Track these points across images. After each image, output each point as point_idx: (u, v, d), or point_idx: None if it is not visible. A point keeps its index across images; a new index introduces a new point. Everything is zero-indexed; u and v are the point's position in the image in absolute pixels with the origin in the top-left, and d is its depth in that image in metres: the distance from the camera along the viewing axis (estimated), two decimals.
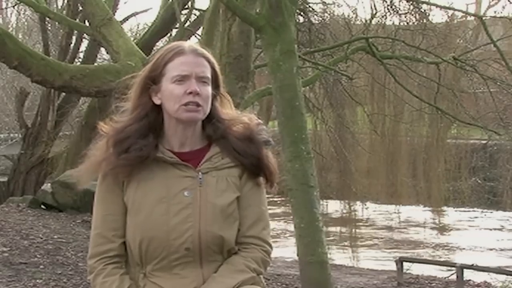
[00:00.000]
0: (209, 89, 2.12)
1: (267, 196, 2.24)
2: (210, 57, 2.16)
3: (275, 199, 16.63)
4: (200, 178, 2.11)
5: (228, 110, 2.21)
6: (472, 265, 9.54)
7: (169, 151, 2.13)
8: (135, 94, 2.16)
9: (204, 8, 10.87)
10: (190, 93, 2.08)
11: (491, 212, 18.91)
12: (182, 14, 10.19)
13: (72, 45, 14.47)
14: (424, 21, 11.29)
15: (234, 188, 2.14)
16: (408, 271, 10.45)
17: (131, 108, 2.16)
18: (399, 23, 11.44)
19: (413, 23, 11.33)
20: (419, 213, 17.95)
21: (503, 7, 23.11)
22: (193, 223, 2.07)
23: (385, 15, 11.19)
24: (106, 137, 2.13)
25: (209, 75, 2.13)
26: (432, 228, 16.94)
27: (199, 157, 2.14)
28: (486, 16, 10.89)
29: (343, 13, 13.19)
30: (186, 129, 2.13)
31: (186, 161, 2.13)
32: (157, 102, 2.14)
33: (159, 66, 2.13)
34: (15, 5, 16.41)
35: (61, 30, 14.50)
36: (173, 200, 2.09)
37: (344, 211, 14.52)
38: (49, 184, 12.45)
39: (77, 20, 12.52)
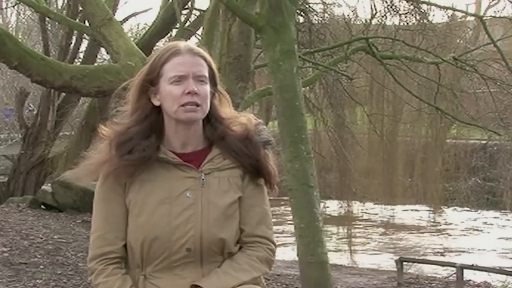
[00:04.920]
0: (207, 88, 2.12)
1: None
2: (206, 56, 2.15)
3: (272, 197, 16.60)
4: (202, 179, 2.11)
5: (226, 109, 2.20)
6: (472, 265, 9.54)
7: (171, 152, 2.13)
8: (133, 97, 2.15)
9: (204, 8, 10.85)
10: (189, 93, 2.07)
11: (491, 212, 18.90)
12: (182, 14, 10.16)
13: (72, 45, 14.47)
14: (424, 21, 11.28)
15: (236, 189, 2.13)
16: (408, 271, 10.44)
17: (131, 111, 2.16)
18: (399, 23, 11.44)
19: (413, 23, 11.32)
20: (419, 213, 17.96)
21: (503, 7, 23.17)
22: (194, 223, 2.08)
23: (385, 15, 11.19)
24: (108, 140, 2.12)
25: (206, 73, 2.13)
26: (432, 228, 16.93)
27: (201, 157, 2.14)
28: (486, 16, 10.87)
29: (343, 13, 13.19)
30: (187, 129, 2.13)
31: (188, 161, 2.12)
32: (156, 103, 2.13)
33: (156, 68, 2.12)
34: (15, 5, 16.40)
35: (61, 30, 14.49)
36: (176, 201, 2.08)
37: (344, 211, 14.52)
38: (49, 184, 12.46)
39: (77, 20, 12.51)
